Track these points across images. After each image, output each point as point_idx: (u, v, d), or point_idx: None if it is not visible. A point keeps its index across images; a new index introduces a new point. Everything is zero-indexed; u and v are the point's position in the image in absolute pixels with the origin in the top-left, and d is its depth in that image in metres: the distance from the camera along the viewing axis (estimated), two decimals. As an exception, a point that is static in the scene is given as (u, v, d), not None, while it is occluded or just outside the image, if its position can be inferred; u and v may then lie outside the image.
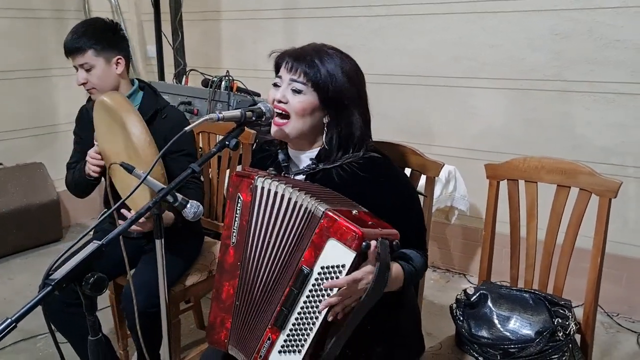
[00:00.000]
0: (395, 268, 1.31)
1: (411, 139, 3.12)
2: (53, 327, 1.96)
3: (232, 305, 1.37)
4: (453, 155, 3.06)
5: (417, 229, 1.46)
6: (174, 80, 3.24)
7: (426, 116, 3.21)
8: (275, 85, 1.42)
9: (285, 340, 1.26)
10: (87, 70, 1.92)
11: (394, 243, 1.23)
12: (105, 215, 1.30)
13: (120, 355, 2.38)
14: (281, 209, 1.28)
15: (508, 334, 1.58)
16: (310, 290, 1.22)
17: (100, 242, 1.10)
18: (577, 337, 1.64)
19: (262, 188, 1.31)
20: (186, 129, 1.24)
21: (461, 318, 1.67)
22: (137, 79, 2.09)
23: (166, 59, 3.52)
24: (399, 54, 3.22)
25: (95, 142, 1.91)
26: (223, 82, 2.63)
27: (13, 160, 3.71)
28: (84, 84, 1.94)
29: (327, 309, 1.19)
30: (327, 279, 1.20)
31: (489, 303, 1.63)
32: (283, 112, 1.37)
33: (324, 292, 1.20)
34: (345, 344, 1.38)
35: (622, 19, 2.60)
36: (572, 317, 1.57)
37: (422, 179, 1.79)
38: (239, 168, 2.37)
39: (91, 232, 1.17)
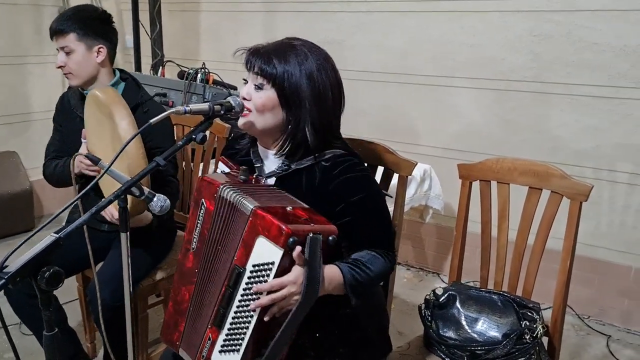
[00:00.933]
0: (329, 270, 1.29)
1: (388, 137, 3.12)
2: (19, 318, 1.96)
3: (187, 310, 1.36)
4: (429, 154, 3.06)
5: (382, 229, 1.44)
6: (151, 72, 3.19)
7: (404, 114, 3.20)
8: (245, 81, 1.41)
9: (224, 340, 1.26)
10: (67, 54, 1.90)
11: (330, 238, 1.23)
12: (68, 206, 1.26)
13: (87, 349, 2.35)
14: (231, 218, 1.27)
15: (475, 335, 1.57)
16: (245, 289, 1.22)
17: (57, 235, 1.07)
18: (545, 339, 1.64)
19: (225, 199, 1.28)
20: (151, 121, 1.21)
21: (429, 318, 1.66)
22: (119, 69, 2.05)
23: (144, 50, 3.47)
24: (379, 50, 3.20)
25: (83, 140, 1.87)
26: (199, 75, 2.59)
27: (-16, 149, 3.64)
28: (61, 67, 1.91)
29: (259, 309, 1.19)
30: (259, 276, 1.20)
31: (457, 304, 1.62)
32: (247, 109, 1.37)
33: (256, 285, 1.21)
34: (308, 345, 1.38)
35: (600, 22, 2.61)
36: (539, 320, 1.57)
37: (395, 178, 1.78)
38: (212, 161, 2.33)
39: (49, 225, 1.13)
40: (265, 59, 1.34)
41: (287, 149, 1.39)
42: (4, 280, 0.97)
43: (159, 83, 2.71)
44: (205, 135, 1.29)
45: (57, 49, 1.93)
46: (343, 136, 1.49)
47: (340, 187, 1.37)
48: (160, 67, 3.02)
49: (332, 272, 1.30)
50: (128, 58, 4.15)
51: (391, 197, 1.75)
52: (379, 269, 1.40)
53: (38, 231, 1.10)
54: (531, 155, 2.78)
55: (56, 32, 1.89)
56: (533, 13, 2.76)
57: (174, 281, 1.42)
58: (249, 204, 1.20)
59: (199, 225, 1.33)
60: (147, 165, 1.24)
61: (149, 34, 3.32)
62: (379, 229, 1.44)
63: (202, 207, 1.33)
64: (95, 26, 1.92)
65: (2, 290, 1.00)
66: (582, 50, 2.67)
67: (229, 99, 1.36)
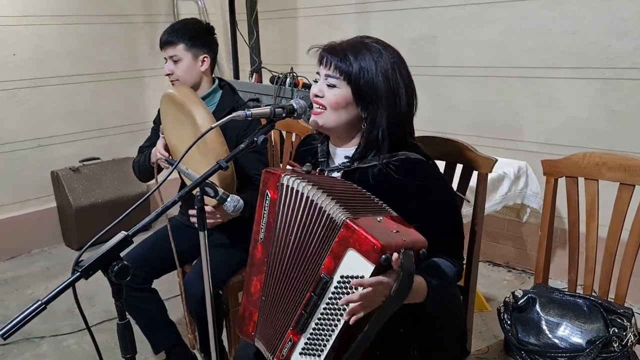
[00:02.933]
0: (419, 281, 1.26)
1: (484, 134, 3.02)
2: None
3: (259, 300, 1.39)
4: (530, 150, 2.90)
5: (451, 235, 1.40)
6: (249, 78, 3.34)
7: (501, 109, 3.06)
8: (316, 80, 1.43)
9: (306, 343, 1.27)
10: (175, 62, 2.06)
11: (421, 252, 1.19)
12: (142, 201, 1.35)
13: (189, 339, 2.51)
14: (305, 210, 1.27)
15: (557, 341, 1.48)
16: (330, 298, 1.22)
17: (126, 233, 1.17)
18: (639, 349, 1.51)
19: (288, 187, 1.31)
20: (212, 126, 1.29)
21: (509, 322, 1.59)
22: (218, 77, 2.19)
23: (244, 57, 3.64)
24: (472, 44, 3.09)
25: (161, 134, 2.03)
26: (288, 79, 2.67)
27: (109, 155, 4.01)
28: (169, 74, 2.08)
29: (348, 316, 1.17)
30: (346, 288, 1.18)
31: (537, 308, 1.54)
32: (320, 107, 1.38)
33: (355, 280, 1.18)
34: (376, 345, 1.36)
35: None
36: (631, 327, 1.45)
37: (475, 175, 1.72)
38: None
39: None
40: (341, 56, 1.36)
41: (361, 146, 1.39)
42: (78, 273, 1.08)
43: (253, 89, 2.84)
44: (267, 138, 1.34)
45: (165, 58, 2.10)
46: (432, 134, 1.46)
47: (410, 190, 1.35)
48: (255, 74, 3.15)
49: (418, 281, 1.26)
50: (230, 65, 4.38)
51: (468, 201, 1.70)
52: (452, 276, 1.38)
53: (110, 228, 1.20)
54: (643, 148, 2.55)
55: (167, 42, 2.06)
56: (642, -7, 2.52)
57: (246, 273, 1.47)
58: (340, 214, 1.19)
59: (265, 215, 1.37)
60: (211, 167, 1.30)
61: (247, 42, 3.48)
62: (448, 238, 1.40)
63: (267, 198, 1.36)
64: (200, 37, 2.09)
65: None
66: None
67: (292, 101, 1.40)
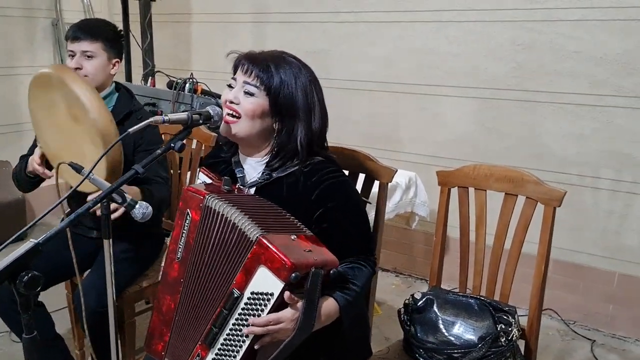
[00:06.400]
0: (327, 304, 1.30)
1: (374, 145, 3.17)
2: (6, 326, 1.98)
3: (172, 320, 1.37)
4: (416, 162, 3.10)
5: (361, 234, 1.47)
6: (142, 82, 3.23)
7: (390, 122, 3.25)
8: (229, 86, 1.43)
9: (213, 359, 1.27)
10: (88, 57, 1.96)
11: (331, 272, 1.25)
12: (47, 212, 1.29)
13: (76, 355, 2.37)
14: (224, 230, 1.27)
15: (452, 338, 1.60)
16: (240, 314, 1.23)
17: (36, 241, 1.10)
18: (522, 343, 1.67)
19: (211, 209, 1.29)
20: (129, 130, 1.26)
21: (408, 323, 1.69)
22: (114, 81, 2.11)
23: (136, 60, 3.51)
24: (365, 59, 3.25)
25: (37, 144, 1.91)
26: (187, 85, 2.63)
27: (-22, 159, 3.67)
28: (77, 68, 1.96)
29: (252, 335, 1.21)
30: (256, 304, 1.21)
31: (435, 308, 1.65)
32: (234, 113, 1.38)
33: (252, 318, 1.22)
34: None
35: (581, 31, 2.66)
36: (515, 323, 1.60)
37: (376, 185, 1.81)
38: (199, 169, 2.36)
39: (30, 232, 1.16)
40: (263, 66, 1.37)
41: (275, 157, 1.42)
42: (-18, 285, 1.00)
43: (148, 93, 2.75)
44: (184, 144, 1.33)
45: (71, 52, 1.98)
46: (328, 144, 1.52)
47: (319, 193, 1.40)
48: (150, 78, 3.06)
49: (329, 307, 1.30)
50: (120, 68, 4.20)
51: (370, 203, 1.78)
52: (364, 280, 1.42)
53: (15, 238, 1.12)
54: (516, 162, 2.83)
55: (86, 33, 1.96)
56: (515, 23, 2.81)
57: (158, 291, 1.43)
58: (253, 231, 1.20)
59: (184, 235, 1.34)
60: (126, 173, 1.26)
61: (140, 45, 3.37)
62: (358, 234, 1.46)
63: (188, 217, 1.33)
64: (118, 41, 2.06)
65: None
66: (564, 59, 2.73)
67: (208, 108, 1.39)
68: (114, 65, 2.05)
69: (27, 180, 2.01)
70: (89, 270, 2.04)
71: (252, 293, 1.21)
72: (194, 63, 3.80)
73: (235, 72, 1.43)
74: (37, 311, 2.02)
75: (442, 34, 3.01)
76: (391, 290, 3.16)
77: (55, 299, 2.26)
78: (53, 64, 1.90)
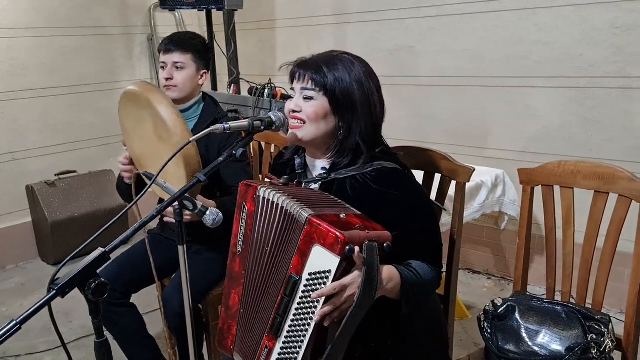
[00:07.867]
0: (388, 270, 1.28)
1: (462, 142, 3.05)
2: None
3: (238, 313, 1.39)
4: (506, 158, 2.94)
5: (429, 243, 1.41)
6: (227, 90, 3.33)
7: (477, 118, 3.10)
8: (290, 97, 1.45)
9: (281, 348, 1.26)
10: (178, 69, 2.07)
11: (385, 245, 1.21)
12: (120, 216, 1.34)
13: (169, 355, 2.47)
14: (278, 219, 1.28)
15: (537, 348, 1.50)
16: (301, 297, 1.22)
17: (103, 250, 1.15)
18: (619, 355, 1.53)
19: (264, 198, 1.32)
20: (190, 139, 1.28)
21: (489, 330, 1.60)
22: (201, 91, 2.21)
23: (222, 69, 3.63)
24: (448, 54, 3.13)
25: (124, 146, 2.01)
26: (266, 90, 2.67)
27: (86, 168, 3.95)
28: (168, 79, 2.07)
29: (319, 317, 1.18)
30: (315, 284, 1.19)
31: (517, 315, 1.55)
32: (299, 121, 1.39)
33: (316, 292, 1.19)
34: (359, 356, 1.36)
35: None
36: (608, 333, 1.47)
37: (453, 185, 1.73)
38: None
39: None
40: (315, 69, 1.38)
41: (339, 157, 1.41)
42: (54, 292, 1.05)
43: (231, 100, 2.83)
44: (245, 151, 1.34)
45: (163, 64, 2.09)
46: (410, 144, 1.48)
47: (387, 199, 1.36)
48: (233, 85, 3.15)
49: (390, 272, 1.28)
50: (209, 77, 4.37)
51: (445, 209, 1.71)
52: (429, 278, 1.38)
53: (87, 244, 1.18)
54: (617, 155, 2.59)
55: (178, 45, 2.07)
56: (613, 4, 2.58)
57: (224, 287, 1.46)
58: (303, 212, 1.21)
59: (242, 228, 1.37)
60: (190, 181, 1.29)
61: (225, 54, 3.47)
62: (426, 245, 1.41)
63: (244, 210, 1.37)
64: (206, 53, 2.16)
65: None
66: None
67: (270, 114, 1.40)
68: (202, 76, 2.14)
69: (126, 189, 2.12)
70: (175, 273, 2.12)
71: (309, 274, 1.21)
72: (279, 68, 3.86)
73: (292, 82, 1.44)
74: (129, 312, 2.13)
75: (531, 22, 2.82)
76: (482, 294, 3.02)
77: (148, 299, 2.38)
78: (140, 80, 1.98)
